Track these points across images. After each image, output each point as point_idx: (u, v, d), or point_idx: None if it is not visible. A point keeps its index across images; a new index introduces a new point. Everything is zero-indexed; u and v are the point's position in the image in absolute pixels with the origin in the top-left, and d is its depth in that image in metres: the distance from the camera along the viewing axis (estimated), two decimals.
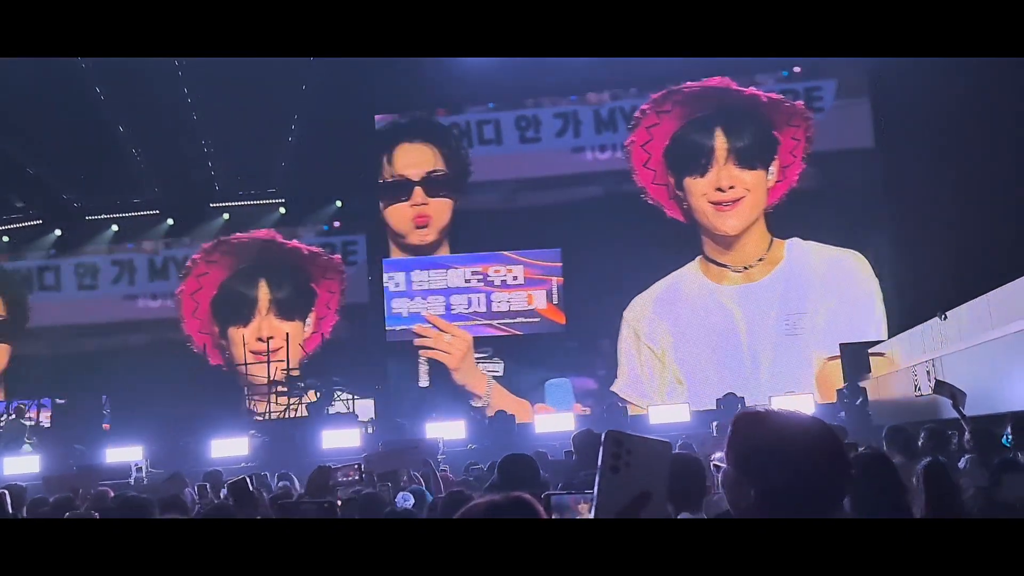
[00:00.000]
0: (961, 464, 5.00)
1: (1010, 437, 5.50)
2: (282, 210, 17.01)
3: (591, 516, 1.11)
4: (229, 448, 12.55)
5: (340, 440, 12.10)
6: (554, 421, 12.36)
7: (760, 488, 1.40)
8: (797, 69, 15.43)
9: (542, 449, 7.89)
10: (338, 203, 16.81)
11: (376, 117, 16.47)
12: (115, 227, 17.30)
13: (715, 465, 4.18)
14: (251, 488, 4.23)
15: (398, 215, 16.28)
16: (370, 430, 12.97)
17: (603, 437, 1.11)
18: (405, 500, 4.55)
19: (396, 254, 16.31)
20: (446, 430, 12.45)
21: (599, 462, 1.10)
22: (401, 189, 16.24)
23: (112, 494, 5.66)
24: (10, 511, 4.96)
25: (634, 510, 1.07)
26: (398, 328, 15.82)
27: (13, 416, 14.11)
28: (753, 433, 1.46)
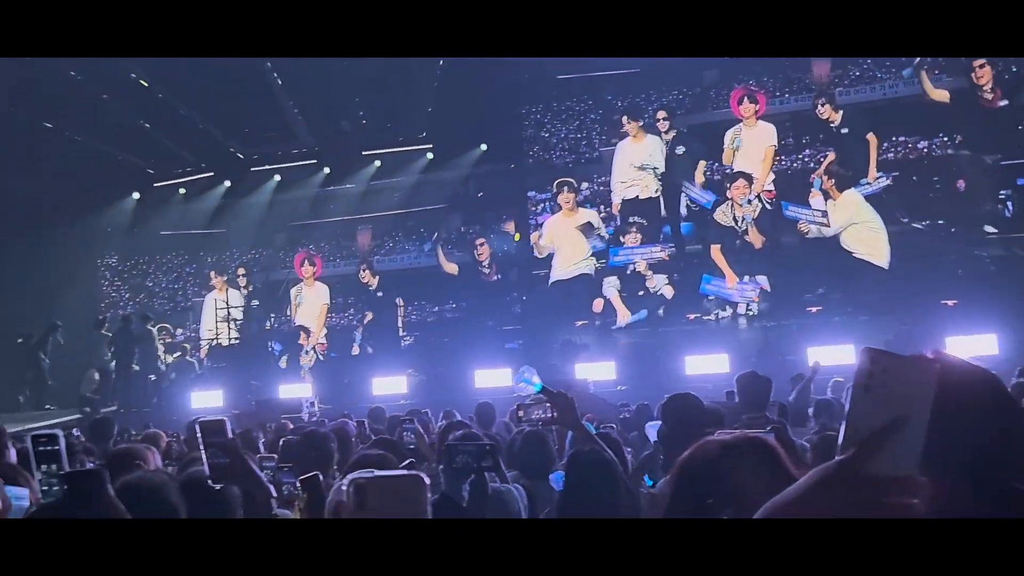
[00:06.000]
0: None
1: None
2: (430, 155, 17.37)
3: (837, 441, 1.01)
4: (389, 386, 13.22)
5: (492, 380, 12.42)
6: (706, 363, 12.14)
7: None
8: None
9: (692, 392, 7.78)
10: (483, 147, 16.96)
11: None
12: (277, 177, 18.22)
13: None
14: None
15: None
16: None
17: (859, 353, 1.01)
18: None
19: None
20: (594, 371, 12.43)
21: (852, 381, 1.01)
22: None
23: (291, 426, 6.21)
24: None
25: (887, 435, 0.98)
26: None
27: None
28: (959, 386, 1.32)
